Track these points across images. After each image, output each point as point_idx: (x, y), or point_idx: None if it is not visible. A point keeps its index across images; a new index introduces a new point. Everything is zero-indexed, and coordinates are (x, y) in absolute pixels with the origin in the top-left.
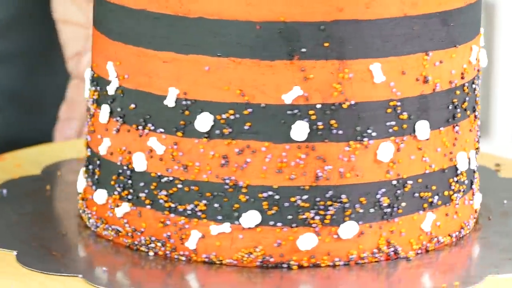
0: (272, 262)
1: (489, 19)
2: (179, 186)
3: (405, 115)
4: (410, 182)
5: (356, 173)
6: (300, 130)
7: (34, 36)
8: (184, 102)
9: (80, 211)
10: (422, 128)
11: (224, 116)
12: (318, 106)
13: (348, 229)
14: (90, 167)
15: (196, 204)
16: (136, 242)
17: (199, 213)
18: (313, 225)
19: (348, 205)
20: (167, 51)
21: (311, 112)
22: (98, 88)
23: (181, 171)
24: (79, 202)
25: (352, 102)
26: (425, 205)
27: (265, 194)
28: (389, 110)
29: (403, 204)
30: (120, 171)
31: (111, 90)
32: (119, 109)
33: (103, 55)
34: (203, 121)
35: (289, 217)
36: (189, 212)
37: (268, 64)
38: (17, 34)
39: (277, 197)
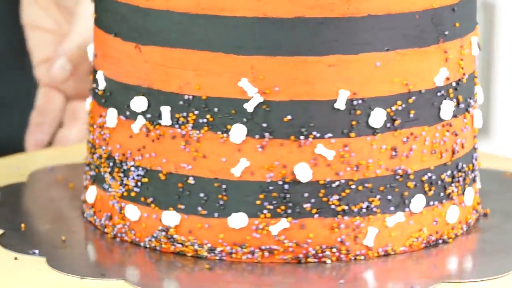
0: (432, 240)
1: (489, 19)
2: (352, 187)
3: None
4: None
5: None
6: (447, 109)
7: (1, 41)
8: (355, 102)
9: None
10: None
11: (393, 108)
12: (454, 84)
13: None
14: (209, 195)
15: (371, 200)
16: (300, 256)
17: (374, 209)
18: (454, 198)
19: (469, 173)
20: (332, 55)
21: (450, 90)
22: (204, 109)
23: (353, 172)
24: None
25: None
26: None
27: (426, 177)
28: None
29: None
30: (271, 187)
31: (249, 107)
32: (264, 125)
33: (229, 74)
34: (377, 117)
35: (441, 194)
36: (364, 210)
37: (424, 50)
38: None
39: (434, 177)
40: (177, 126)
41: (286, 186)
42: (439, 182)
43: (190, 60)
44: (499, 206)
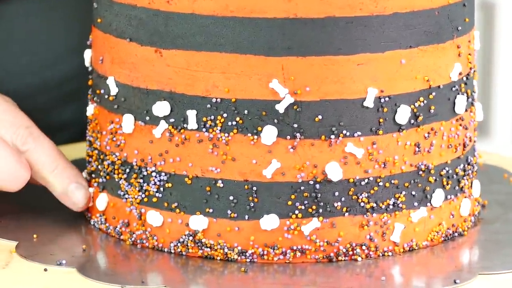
0: (450, 234)
1: (489, 19)
2: (380, 184)
3: None
4: None
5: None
6: (461, 104)
7: None
8: (382, 100)
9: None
10: None
11: (416, 105)
12: (464, 78)
13: (476, 187)
14: (239, 198)
15: (397, 197)
16: (331, 255)
17: (400, 205)
18: (465, 190)
19: (475, 165)
20: (361, 53)
21: (462, 85)
22: (234, 112)
23: (380, 169)
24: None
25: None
26: None
27: (444, 171)
28: None
29: None
30: (302, 188)
31: (281, 108)
32: (295, 126)
33: (260, 76)
34: (403, 114)
35: (456, 188)
36: (391, 207)
37: (442, 46)
38: None
39: (450, 171)
40: (204, 129)
41: (317, 186)
42: (454, 176)
43: (217, 63)
44: (490, 197)
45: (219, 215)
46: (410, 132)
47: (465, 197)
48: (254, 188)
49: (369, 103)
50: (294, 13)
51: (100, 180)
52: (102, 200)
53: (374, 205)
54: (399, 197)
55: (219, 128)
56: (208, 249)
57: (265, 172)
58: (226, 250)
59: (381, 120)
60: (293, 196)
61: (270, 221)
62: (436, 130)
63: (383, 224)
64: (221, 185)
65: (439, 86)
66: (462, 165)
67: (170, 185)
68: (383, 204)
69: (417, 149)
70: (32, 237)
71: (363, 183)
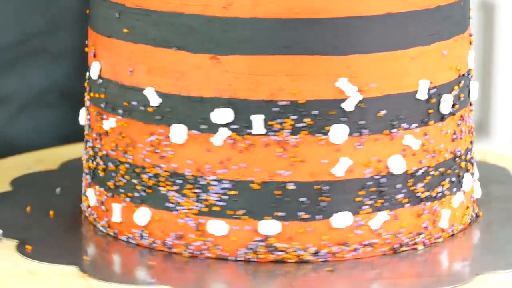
0: (473, 216)
1: (489, 19)
2: (431, 173)
3: None
4: None
5: None
6: (474, 90)
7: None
8: (431, 91)
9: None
10: None
11: (453, 93)
12: (472, 66)
13: (476, 171)
14: (310, 199)
15: (443, 184)
16: (395, 246)
17: (445, 192)
18: (474, 175)
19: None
20: (414, 47)
21: (472, 72)
22: (304, 113)
23: (431, 159)
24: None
25: None
26: None
27: (469, 156)
28: None
29: None
30: (369, 183)
31: (349, 106)
32: (361, 122)
33: (327, 76)
34: (446, 104)
35: (473, 172)
36: (439, 194)
37: (462, 37)
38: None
39: (469, 156)
40: (271, 133)
41: (382, 180)
42: (472, 161)
43: (283, 66)
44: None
45: (290, 217)
46: (449, 121)
47: (475, 181)
48: (325, 188)
49: (421, 95)
50: (359, 11)
51: (137, 194)
52: (143, 215)
53: (427, 194)
54: (444, 184)
55: (287, 131)
56: (281, 252)
57: (335, 171)
58: (299, 252)
59: (430, 111)
60: (362, 192)
61: (342, 219)
62: (464, 117)
63: (434, 212)
64: (293, 187)
65: (463, 74)
66: (472, 150)
67: (235, 192)
68: (433, 192)
69: (454, 136)
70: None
71: (418, 173)
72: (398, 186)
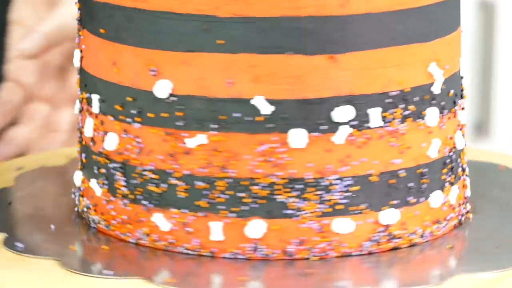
0: None
1: (489, 19)
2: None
3: None
4: None
5: None
6: None
7: None
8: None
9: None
10: None
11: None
12: None
13: None
14: (416, 183)
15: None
16: (460, 218)
17: None
18: None
19: None
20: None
21: None
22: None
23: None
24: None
25: None
26: None
27: None
28: None
29: None
30: (448, 160)
31: (437, 89)
32: (443, 103)
33: (421, 62)
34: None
35: None
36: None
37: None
38: None
39: None
40: (385, 125)
41: (453, 156)
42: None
43: (393, 57)
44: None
45: (403, 204)
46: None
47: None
48: (424, 170)
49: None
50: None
51: (245, 208)
52: (256, 227)
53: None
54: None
55: (398, 120)
56: (398, 239)
57: (430, 153)
58: (411, 236)
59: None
60: (444, 170)
61: (437, 198)
62: None
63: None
64: (403, 174)
65: None
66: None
67: (357, 187)
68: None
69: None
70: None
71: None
72: (459, 160)
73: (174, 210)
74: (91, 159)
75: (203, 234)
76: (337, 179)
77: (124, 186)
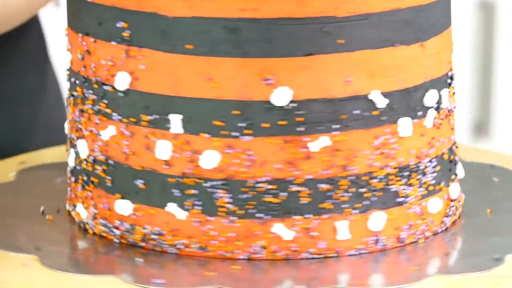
0: None
1: (489, 19)
2: None
3: None
4: None
5: None
6: None
7: None
8: None
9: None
10: None
11: None
12: None
13: None
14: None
15: None
16: None
17: None
18: None
19: None
20: None
21: None
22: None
23: None
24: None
25: None
26: None
27: None
28: None
29: None
30: None
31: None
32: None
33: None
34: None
35: None
36: None
37: None
38: None
39: None
40: (449, 105)
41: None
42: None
43: (446, 40)
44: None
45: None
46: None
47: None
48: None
49: None
50: None
51: (366, 202)
52: (378, 220)
53: None
54: None
55: (451, 99)
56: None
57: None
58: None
59: None
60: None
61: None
62: None
63: None
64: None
65: None
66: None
67: (439, 167)
68: None
69: None
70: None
71: None
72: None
73: (297, 217)
74: (162, 183)
75: (329, 236)
76: (428, 161)
77: (229, 203)
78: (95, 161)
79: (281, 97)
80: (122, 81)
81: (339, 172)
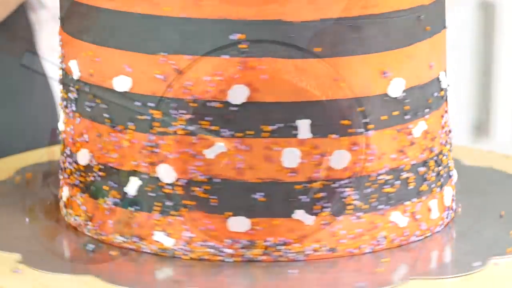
0: None
1: (489, 19)
2: None
3: None
4: None
5: None
6: None
7: None
8: None
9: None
10: None
11: None
12: None
13: None
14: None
15: None
16: None
17: None
18: None
19: None
20: None
21: None
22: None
23: None
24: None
25: None
26: None
27: None
28: None
29: None
30: None
31: None
32: None
33: None
34: None
35: None
36: None
37: None
38: None
39: None
40: None
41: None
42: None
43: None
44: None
45: None
46: None
47: None
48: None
49: None
50: None
51: (443, 181)
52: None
53: None
54: None
55: None
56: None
57: None
58: None
59: None
60: None
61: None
62: None
63: None
64: None
65: None
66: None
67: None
68: None
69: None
70: None
71: None
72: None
73: (407, 203)
74: (287, 192)
75: (426, 217)
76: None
77: (355, 199)
78: (189, 183)
79: (395, 88)
80: (238, 95)
81: (429, 154)
